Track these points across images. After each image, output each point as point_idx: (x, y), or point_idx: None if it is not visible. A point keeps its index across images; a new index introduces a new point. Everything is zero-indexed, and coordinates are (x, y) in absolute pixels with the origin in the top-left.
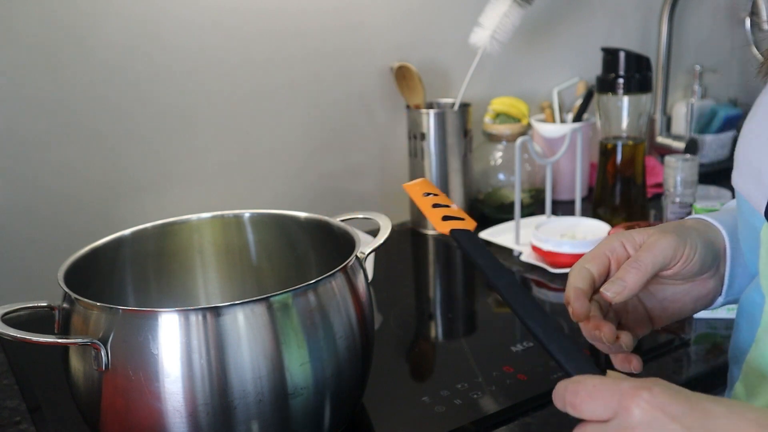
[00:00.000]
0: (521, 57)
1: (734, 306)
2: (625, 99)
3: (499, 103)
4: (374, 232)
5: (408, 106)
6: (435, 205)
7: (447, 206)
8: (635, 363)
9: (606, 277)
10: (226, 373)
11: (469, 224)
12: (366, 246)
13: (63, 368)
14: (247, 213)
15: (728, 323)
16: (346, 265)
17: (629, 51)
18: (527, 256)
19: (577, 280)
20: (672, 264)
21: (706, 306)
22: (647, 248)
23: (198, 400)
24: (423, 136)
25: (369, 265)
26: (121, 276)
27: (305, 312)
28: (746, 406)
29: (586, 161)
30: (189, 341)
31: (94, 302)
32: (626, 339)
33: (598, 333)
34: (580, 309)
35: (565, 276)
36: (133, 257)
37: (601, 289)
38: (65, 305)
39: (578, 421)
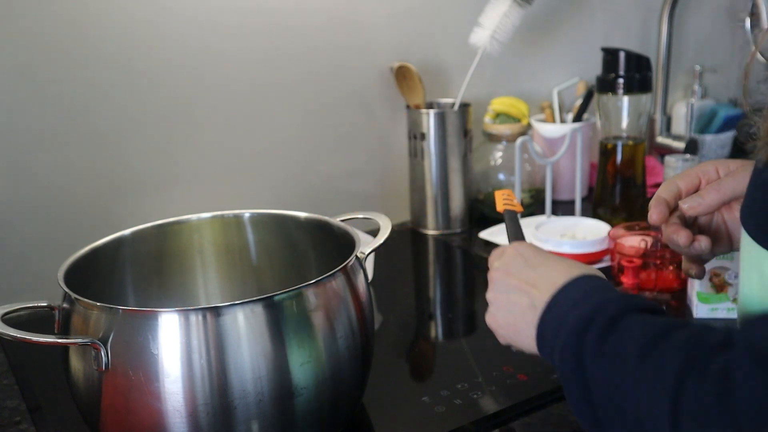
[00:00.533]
0: (521, 57)
1: (734, 306)
2: (625, 99)
3: (499, 103)
4: (374, 232)
5: (408, 106)
6: (505, 200)
7: (511, 200)
8: (696, 270)
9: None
10: (226, 373)
11: (517, 208)
12: (366, 246)
13: (63, 368)
14: (247, 213)
15: (728, 323)
16: (346, 265)
17: (629, 51)
18: None
19: (663, 191)
20: None
21: None
22: (732, 175)
23: (198, 400)
24: (423, 136)
25: (369, 265)
26: (121, 276)
27: (305, 312)
28: (574, 262)
29: (586, 161)
30: (189, 341)
31: (94, 302)
32: (704, 242)
33: (676, 236)
34: (656, 215)
35: None
36: (133, 257)
37: (680, 201)
38: (65, 305)
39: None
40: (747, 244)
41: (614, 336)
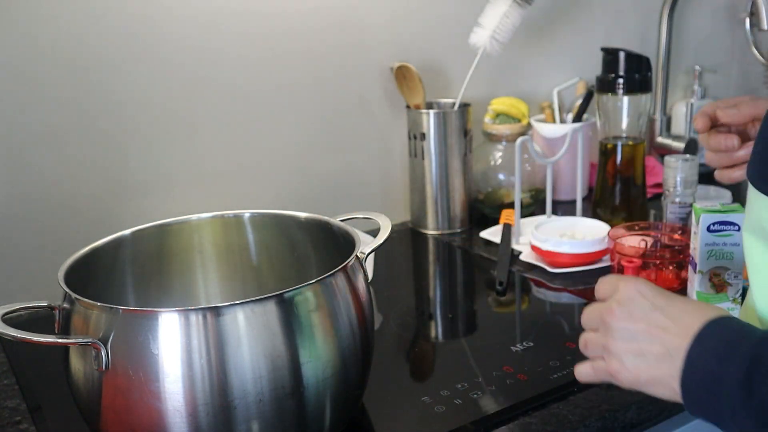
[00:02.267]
0: (521, 57)
1: (734, 306)
2: (625, 99)
3: (499, 103)
4: (374, 232)
5: (408, 106)
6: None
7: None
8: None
9: None
10: (226, 373)
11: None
12: (366, 246)
13: (63, 368)
14: (247, 213)
15: None
16: (346, 265)
17: (629, 51)
18: (527, 256)
19: (706, 106)
20: None
21: None
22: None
23: (198, 400)
24: (423, 136)
25: (369, 265)
26: (121, 276)
27: (305, 312)
28: (702, 302)
29: (586, 161)
30: (189, 341)
31: (94, 302)
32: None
33: (728, 140)
34: (701, 123)
35: (564, 275)
36: (133, 257)
37: (717, 110)
38: (65, 305)
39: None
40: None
41: None
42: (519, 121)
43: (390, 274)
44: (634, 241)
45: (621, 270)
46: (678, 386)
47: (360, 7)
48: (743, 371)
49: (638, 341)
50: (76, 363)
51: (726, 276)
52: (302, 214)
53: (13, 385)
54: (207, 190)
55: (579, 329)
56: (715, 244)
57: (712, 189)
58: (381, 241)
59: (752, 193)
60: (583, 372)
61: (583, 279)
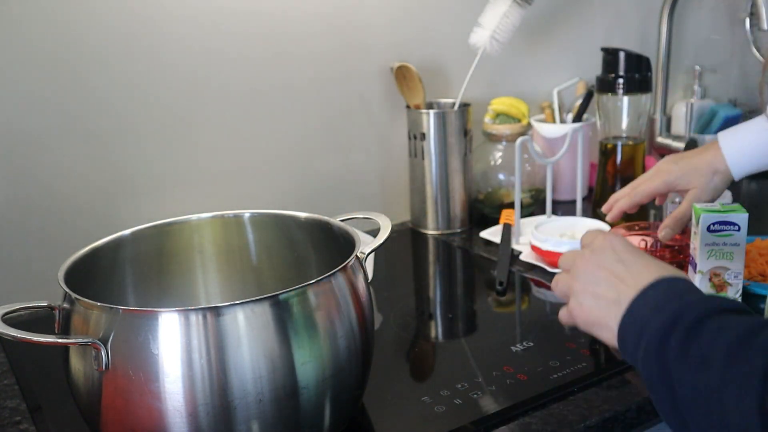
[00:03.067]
0: (521, 57)
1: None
2: (625, 99)
3: (499, 103)
4: (374, 232)
5: (408, 106)
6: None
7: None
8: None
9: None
10: (226, 373)
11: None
12: (366, 246)
13: (63, 368)
14: (247, 213)
15: None
16: (346, 265)
17: (629, 51)
18: (527, 256)
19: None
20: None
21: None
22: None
23: (198, 400)
24: (423, 136)
25: (369, 265)
26: (121, 276)
27: (305, 312)
28: (666, 264)
29: (586, 161)
30: (189, 341)
31: (94, 302)
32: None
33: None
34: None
35: None
36: (133, 257)
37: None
38: (65, 305)
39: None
40: None
41: (698, 341)
42: (519, 121)
43: (390, 274)
44: (634, 241)
45: None
46: (616, 329)
47: (360, 7)
48: (665, 323)
49: (597, 286)
50: (76, 363)
51: (726, 276)
52: (302, 214)
53: (13, 385)
54: (207, 190)
55: (579, 330)
56: (715, 244)
57: None
58: (381, 241)
59: None
60: (560, 315)
61: None
